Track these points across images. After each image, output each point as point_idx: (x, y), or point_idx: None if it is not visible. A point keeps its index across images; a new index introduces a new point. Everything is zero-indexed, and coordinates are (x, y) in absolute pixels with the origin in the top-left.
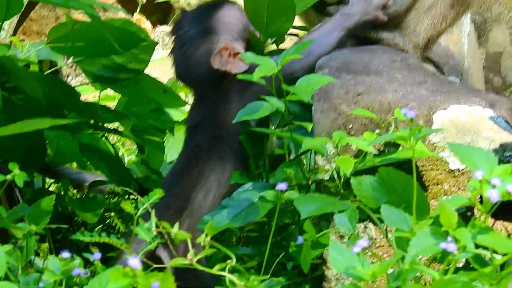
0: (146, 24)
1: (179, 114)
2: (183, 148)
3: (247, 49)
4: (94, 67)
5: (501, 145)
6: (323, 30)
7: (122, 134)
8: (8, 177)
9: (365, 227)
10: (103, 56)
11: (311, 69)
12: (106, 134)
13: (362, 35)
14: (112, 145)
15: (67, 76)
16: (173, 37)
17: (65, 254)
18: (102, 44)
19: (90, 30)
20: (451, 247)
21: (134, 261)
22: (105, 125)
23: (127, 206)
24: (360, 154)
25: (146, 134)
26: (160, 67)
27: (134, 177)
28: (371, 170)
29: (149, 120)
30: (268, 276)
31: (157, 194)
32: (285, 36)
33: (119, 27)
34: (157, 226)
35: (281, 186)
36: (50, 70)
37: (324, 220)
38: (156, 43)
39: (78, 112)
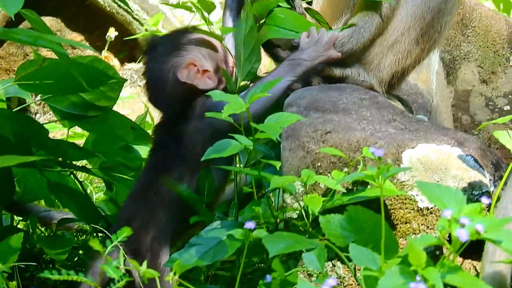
0: (114, 62)
1: (147, 151)
2: (145, 165)
3: (220, 86)
4: (62, 104)
5: (469, 184)
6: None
7: (90, 171)
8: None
9: (334, 265)
10: (71, 93)
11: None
12: (75, 171)
13: (327, 73)
14: (80, 182)
15: (36, 114)
16: (145, 57)
17: None
18: (70, 82)
19: (58, 68)
20: (421, 287)
21: None
22: (73, 162)
23: (95, 244)
24: (328, 192)
25: (115, 172)
26: (129, 104)
27: (103, 214)
28: (340, 209)
29: (117, 158)
30: None
31: (125, 233)
32: None
33: (87, 64)
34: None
35: (249, 224)
36: (18, 108)
37: (292, 259)
38: (125, 80)
39: (47, 150)
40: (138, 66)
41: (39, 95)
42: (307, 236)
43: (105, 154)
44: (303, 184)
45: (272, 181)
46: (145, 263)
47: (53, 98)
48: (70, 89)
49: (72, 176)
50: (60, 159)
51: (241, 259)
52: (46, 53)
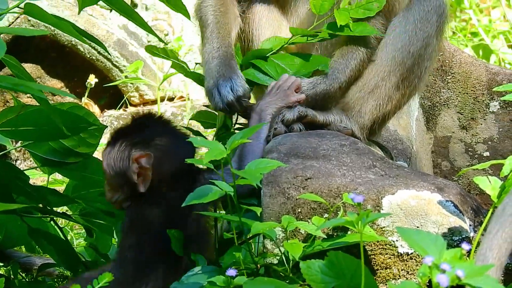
0: (94, 108)
1: None
2: None
3: None
4: (42, 150)
5: (449, 230)
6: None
7: (70, 218)
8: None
9: None
10: (52, 140)
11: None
12: (55, 218)
13: (310, 120)
14: (61, 229)
15: (16, 160)
16: None
17: None
18: (51, 128)
19: (38, 114)
20: None
21: None
22: (54, 209)
23: None
24: (309, 238)
25: (95, 218)
26: None
27: (83, 260)
28: (320, 254)
29: (97, 204)
30: None
31: (106, 278)
32: None
33: (67, 111)
34: None
35: (231, 272)
36: None
37: None
38: (105, 127)
39: (27, 196)
40: (118, 112)
41: (19, 141)
42: (288, 281)
43: (85, 200)
44: (283, 230)
45: (253, 227)
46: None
47: (33, 144)
48: (51, 135)
49: (52, 222)
50: (41, 205)
51: None
52: (26, 99)
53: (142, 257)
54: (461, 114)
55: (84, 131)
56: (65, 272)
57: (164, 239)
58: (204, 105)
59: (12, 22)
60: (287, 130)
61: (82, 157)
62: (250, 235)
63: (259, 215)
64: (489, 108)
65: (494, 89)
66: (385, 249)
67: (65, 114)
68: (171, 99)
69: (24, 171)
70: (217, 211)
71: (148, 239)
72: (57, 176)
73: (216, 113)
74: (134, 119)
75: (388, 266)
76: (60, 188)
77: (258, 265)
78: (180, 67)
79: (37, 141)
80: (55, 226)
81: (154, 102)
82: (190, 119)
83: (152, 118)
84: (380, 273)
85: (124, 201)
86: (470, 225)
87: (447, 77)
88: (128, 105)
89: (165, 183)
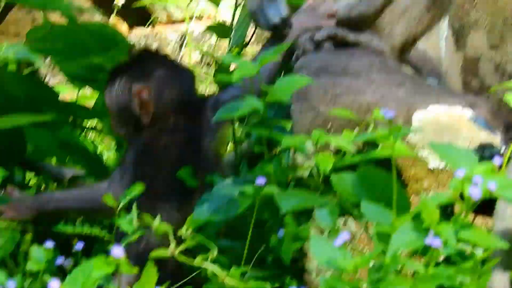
0: (122, 27)
1: None
2: None
3: None
4: (72, 68)
5: (480, 145)
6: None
7: (100, 131)
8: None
9: (345, 222)
10: (80, 57)
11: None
12: (85, 132)
13: (340, 38)
14: (92, 142)
15: (45, 76)
16: None
17: (49, 244)
18: (80, 46)
19: (67, 32)
20: (436, 242)
21: (117, 250)
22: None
23: (109, 199)
24: (339, 154)
25: None
26: None
27: None
28: (351, 168)
29: None
30: (250, 267)
31: (137, 189)
32: None
33: (95, 29)
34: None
35: (260, 180)
36: (28, 71)
37: (304, 216)
38: (133, 44)
39: (57, 111)
40: (146, 31)
41: (48, 58)
42: (318, 193)
43: None
44: (314, 145)
45: (283, 140)
46: (158, 217)
47: (63, 61)
48: (79, 53)
49: (82, 135)
50: (71, 119)
51: (253, 215)
52: (55, 18)
53: (153, 189)
54: (491, 34)
55: (112, 49)
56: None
57: (173, 171)
58: None
59: None
60: (317, 48)
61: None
62: (281, 149)
63: (289, 130)
64: None
65: None
66: (416, 163)
67: (94, 32)
68: (199, 17)
69: (54, 87)
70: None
71: (157, 171)
72: (86, 92)
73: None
74: (132, 54)
75: (419, 179)
76: (89, 104)
77: (289, 178)
78: None
79: (66, 59)
80: (85, 139)
81: (181, 21)
82: (204, 30)
83: (149, 52)
84: (411, 186)
85: (131, 134)
86: (501, 140)
87: None
88: (156, 24)
89: (169, 115)
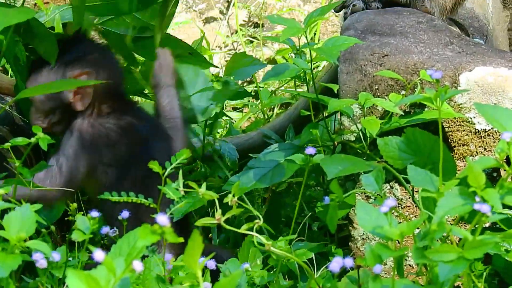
0: None
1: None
2: None
3: None
4: (118, 27)
5: None
6: None
7: (149, 97)
8: (32, 140)
9: (391, 187)
10: (124, 14)
11: None
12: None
13: None
14: None
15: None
16: None
17: (94, 213)
18: (123, 2)
19: None
20: (485, 208)
21: (163, 218)
22: None
23: (155, 166)
24: (385, 115)
25: None
26: (184, 30)
27: None
28: (397, 131)
29: None
30: (295, 236)
31: (184, 155)
32: None
33: None
34: (184, 186)
35: (310, 150)
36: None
37: (350, 181)
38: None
39: None
40: None
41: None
42: (364, 158)
43: None
44: (360, 107)
45: (330, 104)
46: (204, 185)
47: (109, 21)
48: (124, 9)
49: None
50: None
51: (298, 182)
52: None
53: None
54: None
55: (157, 2)
56: None
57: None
58: None
59: None
60: (365, 8)
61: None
62: (327, 113)
63: (336, 92)
64: None
65: None
66: (463, 126)
67: None
68: None
69: None
70: None
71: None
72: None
73: None
74: (59, 41)
75: (465, 143)
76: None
77: (335, 142)
78: None
79: (111, 15)
80: None
81: None
82: None
83: (79, 37)
84: (458, 149)
85: (56, 124)
86: None
87: None
88: None
89: (106, 99)
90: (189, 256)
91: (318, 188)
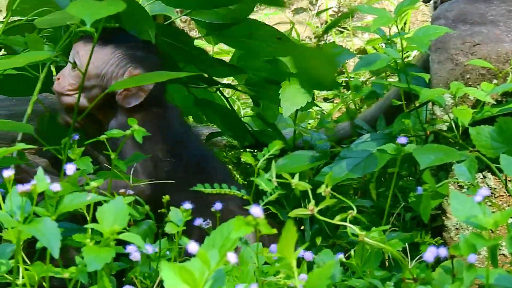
0: None
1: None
2: None
3: None
4: (207, 16)
5: None
6: None
7: (236, 88)
8: (128, 132)
9: (484, 177)
10: (214, 7)
11: None
12: (221, 88)
13: None
14: (227, 99)
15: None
16: None
17: (187, 205)
18: None
19: None
20: None
21: (257, 210)
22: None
23: (248, 158)
24: (477, 104)
25: (261, 88)
26: (274, 21)
27: (250, 130)
28: (490, 121)
29: (262, 73)
30: (389, 226)
31: (276, 146)
32: None
33: None
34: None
35: (402, 139)
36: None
37: (443, 171)
38: None
39: (195, 63)
40: None
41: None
42: (457, 148)
43: (251, 70)
44: (452, 96)
45: (421, 93)
46: (297, 176)
47: (197, 11)
48: (215, 3)
49: (218, 92)
50: (206, 76)
51: (389, 172)
52: None
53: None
54: None
55: None
56: (232, 141)
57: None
58: None
59: None
60: None
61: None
62: (419, 102)
63: (427, 82)
64: None
65: None
66: None
67: None
68: None
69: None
70: None
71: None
72: (222, 46)
73: None
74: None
75: None
76: (226, 58)
77: (427, 132)
78: None
79: (199, 9)
80: (221, 96)
81: None
82: None
83: (148, 42)
84: None
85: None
86: None
87: None
88: None
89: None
90: (284, 246)
91: (411, 178)
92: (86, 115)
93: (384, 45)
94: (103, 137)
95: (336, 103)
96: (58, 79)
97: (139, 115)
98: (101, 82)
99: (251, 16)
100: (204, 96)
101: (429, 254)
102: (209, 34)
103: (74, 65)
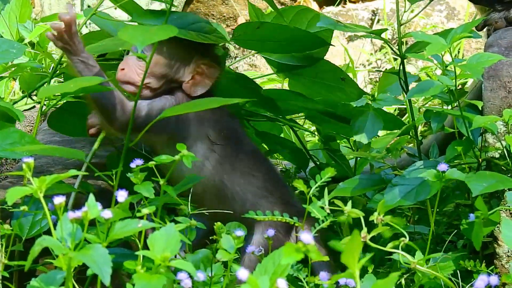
0: (313, 5)
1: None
2: None
3: None
4: (279, 56)
5: None
6: None
7: (297, 126)
8: (176, 157)
9: None
10: (287, 53)
11: None
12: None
13: None
14: (296, 132)
15: (235, 57)
16: None
17: (239, 233)
18: (288, 43)
19: (276, 32)
20: None
21: (307, 236)
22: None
23: (300, 185)
24: None
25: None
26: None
27: (315, 160)
28: None
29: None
30: (440, 254)
31: (328, 173)
32: None
33: (304, 32)
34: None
35: (442, 166)
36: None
37: (494, 198)
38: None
39: (260, 105)
40: (337, 9)
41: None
42: (509, 175)
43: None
44: (505, 124)
45: (474, 120)
46: (349, 203)
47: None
48: (287, 50)
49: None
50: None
51: (439, 200)
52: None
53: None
54: None
55: (318, 48)
56: (289, 168)
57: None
58: None
59: None
60: (508, 25)
61: (317, 60)
62: (472, 129)
63: (480, 109)
64: None
65: None
66: None
67: (302, 32)
68: None
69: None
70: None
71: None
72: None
73: None
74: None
75: None
76: None
77: (480, 159)
78: None
79: (273, 53)
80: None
81: None
82: None
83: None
84: None
85: (152, 90)
86: None
87: None
88: (347, 1)
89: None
90: (348, 256)
91: (463, 206)
92: None
93: (437, 73)
94: (151, 163)
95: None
96: (123, 69)
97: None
98: (169, 71)
99: None
100: (267, 129)
101: (480, 282)
102: (279, 72)
103: (141, 56)
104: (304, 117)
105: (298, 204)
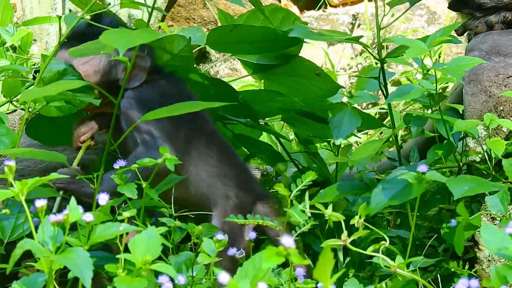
0: (293, 9)
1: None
2: None
3: None
4: (254, 57)
5: None
6: None
7: (275, 133)
8: (159, 160)
9: None
10: (261, 53)
11: None
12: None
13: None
14: (275, 134)
15: (215, 62)
16: None
17: (220, 236)
18: (262, 45)
19: (249, 33)
20: None
21: (288, 240)
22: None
23: (280, 188)
24: (511, 136)
25: (297, 121)
26: (309, 52)
27: (299, 166)
28: None
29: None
30: (421, 258)
31: (309, 177)
32: None
33: (277, 31)
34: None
35: (422, 167)
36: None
37: (475, 202)
38: (306, 23)
39: (235, 111)
40: (318, 13)
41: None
42: (490, 179)
43: (288, 112)
44: (485, 128)
45: (455, 125)
46: (330, 207)
47: (245, 58)
48: (259, 51)
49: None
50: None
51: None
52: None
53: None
54: None
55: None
56: (269, 171)
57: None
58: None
59: None
60: (488, 29)
61: (292, 57)
62: (453, 133)
63: (461, 113)
64: None
65: None
66: None
67: (273, 31)
68: None
69: (231, 82)
70: None
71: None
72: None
73: None
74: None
75: None
76: None
77: (461, 163)
78: None
79: (248, 54)
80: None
81: (353, 2)
82: None
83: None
84: None
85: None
86: None
87: None
88: (328, 6)
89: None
90: (320, 272)
91: (444, 210)
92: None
93: (418, 77)
94: (134, 166)
95: (370, 134)
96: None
97: (144, 88)
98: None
99: None
100: (242, 132)
101: (461, 286)
102: (255, 73)
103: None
104: (281, 119)
105: (259, 188)
